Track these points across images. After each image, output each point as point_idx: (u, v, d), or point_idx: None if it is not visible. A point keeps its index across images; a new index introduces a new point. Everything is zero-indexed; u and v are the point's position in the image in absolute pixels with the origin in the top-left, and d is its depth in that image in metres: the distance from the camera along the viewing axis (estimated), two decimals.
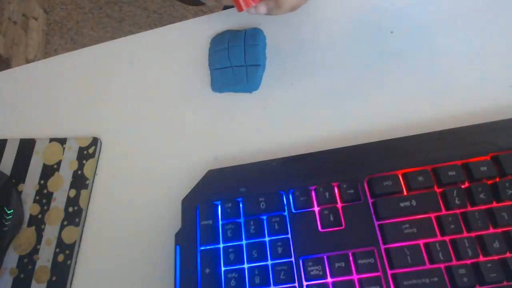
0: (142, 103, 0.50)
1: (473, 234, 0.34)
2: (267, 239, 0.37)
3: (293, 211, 0.37)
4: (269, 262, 0.36)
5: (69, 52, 0.57)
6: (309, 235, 0.36)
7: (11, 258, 0.44)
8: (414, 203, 0.35)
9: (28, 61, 1.57)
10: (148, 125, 0.49)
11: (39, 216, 0.45)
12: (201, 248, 0.37)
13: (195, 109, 0.48)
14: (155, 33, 0.55)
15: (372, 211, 0.36)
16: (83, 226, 0.45)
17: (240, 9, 0.42)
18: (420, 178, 0.36)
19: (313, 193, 0.38)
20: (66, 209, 0.45)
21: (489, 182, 0.35)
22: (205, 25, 0.53)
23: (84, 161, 0.48)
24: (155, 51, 0.54)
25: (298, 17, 0.49)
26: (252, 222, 0.37)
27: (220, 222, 0.38)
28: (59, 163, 0.48)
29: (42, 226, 0.45)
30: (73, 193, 0.46)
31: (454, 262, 0.33)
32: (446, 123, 0.40)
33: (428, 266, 0.33)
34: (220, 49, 0.48)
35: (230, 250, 0.36)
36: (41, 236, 0.44)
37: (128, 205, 0.44)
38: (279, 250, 0.36)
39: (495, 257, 0.33)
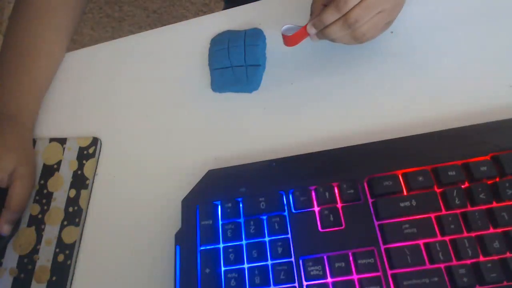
0: (142, 103, 0.50)
1: (473, 234, 0.34)
2: (267, 239, 0.37)
3: (293, 211, 0.37)
4: (269, 262, 0.36)
5: (69, 52, 0.57)
6: (309, 235, 0.36)
7: (11, 258, 0.44)
8: (414, 203, 0.35)
9: None
10: (148, 125, 0.49)
11: (39, 216, 0.45)
12: (201, 248, 0.37)
13: (195, 109, 0.48)
14: (155, 33, 0.55)
15: (372, 211, 0.36)
16: (83, 226, 0.45)
17: (287, 45, 0.43)
18: (420, 178, 0.36)
19: (313, 193, 0.38)
20: (66, 209, 0.45)
21: (489, 182, 0.35)
22: (205, 25, 0.53)
23: (84, 161, 0.47)
24: (155, 51, 0.54)
25: (298, 17, 0.49)
26: (252, 222, 0.37)
27: (220, 222, 0.38)
28: (59, 163, 0.48)
29: (42, 226, 0.45)
30: (73, 193, 0.46)
31: (454, 262, 0.33)
32: (446, 123, 0.40)
33: (428, 266, 0.33)
34: (220, 49, 0.48)
35: (230, 250, 0.36)
36: (41, 236, 0.44)
37: (128, 205, 0.44)
38: (279, 250, 0.36)
39: (495, 257, 0.33)
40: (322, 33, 0.41)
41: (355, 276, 0.34)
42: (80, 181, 0.47)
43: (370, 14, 0.38)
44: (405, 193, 0.36)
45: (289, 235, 0.36)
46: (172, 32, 0.55)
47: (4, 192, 0.45)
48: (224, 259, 0.36)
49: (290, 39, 0.42)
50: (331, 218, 0.36)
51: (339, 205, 0.37)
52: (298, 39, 0.42)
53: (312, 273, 0.34)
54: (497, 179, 0.35)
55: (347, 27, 0.39)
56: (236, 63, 0.47)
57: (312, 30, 0.41)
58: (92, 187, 0.46)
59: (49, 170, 0.48)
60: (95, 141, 0.49)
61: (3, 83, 0.50)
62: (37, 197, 0.47)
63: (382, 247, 0.35)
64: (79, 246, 0.44)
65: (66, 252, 0.43)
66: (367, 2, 0.37)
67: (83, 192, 0.46)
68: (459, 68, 0.43)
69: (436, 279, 0.33)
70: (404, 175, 0.37)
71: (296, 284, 0.34)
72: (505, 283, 0.32)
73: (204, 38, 0.52)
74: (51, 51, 0.53)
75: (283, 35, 0.43)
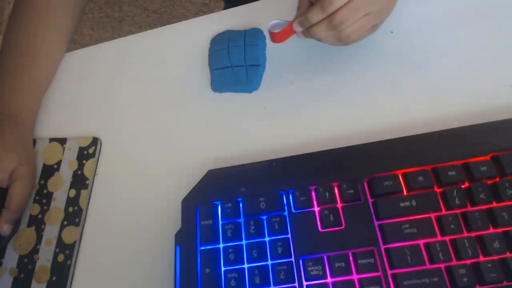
0: (142, 103, 0.50)
1: (473, 234, 0.34)
2: (267, 239, 0.37)
3: (293, 211, 0.37)
4: (269, 262, 0.36)
5: (69, 52, 0.57)
6: (309, 235, 0.36)
7: (11, 258, 0.44)
8: (414, 203, 0.35)
9: None
10: (148, 125, 0.49)
11: (39, 216, 0.45)
12: (201, 248, 0.37)
13: (195, 109, 0.48)
14: (155, 33, 0.55)
15: (372, 211, 0.36)
16: (83, 226, 0.45)
17: (274, 41, 0.43)
18: (420, 178, 0.36)
19: (313, 193, 0.38)
20: (66, 209, 0.45)
21: (489, 182, 0.35)
22: (205, 25, 0.53)
23: (84, 161, 0.47)
24: (155, 51, 0.54)
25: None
26: (252, 222, 0.37)
27: (220, 222, 0.38)
28: (59, 163, 0.48)
29: (42, 226, 0.45)
30: (73, 193, 0.46)
31: (454, 262, 0.33)
32: (446, 123, 0.40)
33: (428, 266, 0.33)
34: (220, 49, 0.48)
35: (230, 250, 0.36)
36: (41, 236, 0.44)
37: (128, 205, 0.44)
38: (279, 250, 0.36)
39: (495, 257, 0.33)
40: (307, 31, 0.40)
41: (355, 276, 0.34)
42: (80, 181, 0.46)
43: (355, 16, 0.37)
44: (405, 193, 0.36)
45: (289, 235, 0.36)
46: (172, 32, 0.55)
47: (4, 192, 0.45)
48: (224, 259, 0.36)
49: (277, 36, 0.42)
50: (331, 218, 0.36)
51: (339, 205, 0.37)
52: (285, 36, 0.42)
53: (312, 273, 0.34)
54: (497, 179, 0.35)
55: (332, 28, 0.38)
56: (236, 63, 0.47)
57: (298, 28, 0.41)
58: (92, 187, 0.46)
59: (49, 170, 0.48)
60: (95, 141, 0.49)
61: (3, 83, 0.50)
62: (37, 197, 0.47)
63: (382, 247, 0.35)
64: (79, 246, 0.44)
65: (66, 252, 0.43)
66: (353, 3, 0.36)
67: (83, 192, 0.46)
68: (459, 68, 0.43)
69: (436, 279, 0.33)
70: (404, 175, 0.37)
71: (296, 284, 0.34)
72: (505, 283, 0.32)
73: (204, 38, 0.52)
74: (51, 51, 0.53)
75: (269, 31, 0.42)
